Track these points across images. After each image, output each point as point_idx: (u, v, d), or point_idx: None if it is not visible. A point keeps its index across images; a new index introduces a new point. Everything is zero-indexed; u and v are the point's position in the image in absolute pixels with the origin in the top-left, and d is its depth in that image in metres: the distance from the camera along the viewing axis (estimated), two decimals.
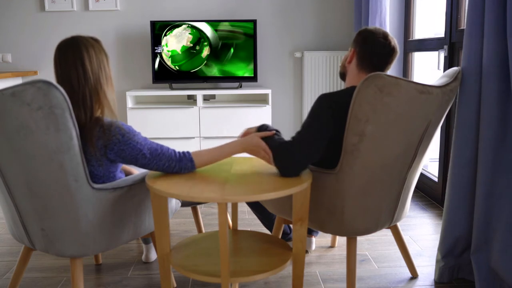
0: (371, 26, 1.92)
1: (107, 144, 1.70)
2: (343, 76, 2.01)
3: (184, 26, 3.89)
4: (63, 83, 1.72)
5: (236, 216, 2.08)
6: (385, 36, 1.88)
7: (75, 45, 1.73)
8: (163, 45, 3.90)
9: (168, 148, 1.78)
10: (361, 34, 1.91)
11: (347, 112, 1.78)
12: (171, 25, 3.88)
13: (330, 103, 1.79)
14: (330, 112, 1.77)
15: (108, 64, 1.80)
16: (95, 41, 1.80)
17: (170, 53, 3.91)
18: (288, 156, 1.74)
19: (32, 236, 1.79)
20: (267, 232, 2.69)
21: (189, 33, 3.88)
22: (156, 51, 3.90)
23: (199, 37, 3.91)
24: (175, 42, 3.90)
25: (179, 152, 1.79)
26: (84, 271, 2.29)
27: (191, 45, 3.91)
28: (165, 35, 3.89)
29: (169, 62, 3.92)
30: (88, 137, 1.69)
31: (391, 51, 1.87)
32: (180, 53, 3.91)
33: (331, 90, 4.10)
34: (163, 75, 3.95)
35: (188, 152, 1.79)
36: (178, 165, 1.77)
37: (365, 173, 1.78)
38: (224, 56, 3.94)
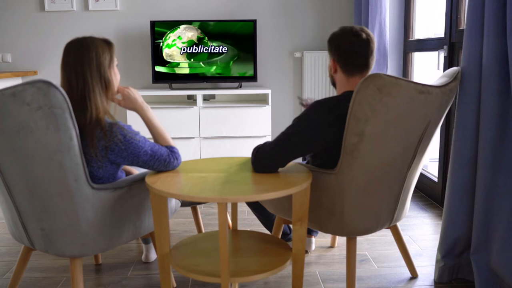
0: (337, 29, 1.91)
1: (108, 145, 1.70)
2: (333, 84, 2.01)
3: (184, 26, 3.89)
4: (65, 83, 1.74)
5: (236, 216, 2.08)
6: (354, 32, 1.85)
7: (78, 47, 1.74)
8: (176, 38, 3.90)
9: (161, 146, 1.82)
10: (332, 42, 1.90)
11: (344, 116, 1.78)
12: (171, 25, 3.88)
13: (324, 109, 1.79)
14: (322, 118, 1.78)
15: (110, 67, 1.78)
16: (106, 43, 1.79)
17: (186, 44, 3.89)
18: (260, 154, 1.82)
19: (32, 236, 1.79)
20: (267, 232, 2.69)
21: (198, 27, 3.88)
22: (159, 44, 3.90)
23: (199, 37, 3.91)
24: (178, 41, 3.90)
25: (163, 147, 1.83)
26: (84, 271, 2.29)
27: (192, 45, 3.91)
28: (165, 35, 3.89)
29: (183, 55, 3.92)
30: (88, 138, 1.69)
31: (367, 42, 1.85)
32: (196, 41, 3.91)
33: (331, 90, 4.10)
34: (163, 75, 3.95)
35: (167, 146, 1.87)
36: (176, 159, 1.84)
37: (365, 173, 1.78)
38: (224, 56, 3.94)
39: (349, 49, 1.85)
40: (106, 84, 1.77)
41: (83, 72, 1.72)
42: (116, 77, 1.83)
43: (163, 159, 1.79)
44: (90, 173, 1.75)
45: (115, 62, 1.83)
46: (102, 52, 1.76)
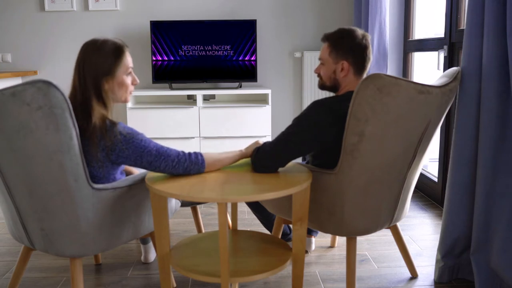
0: (340, 32, 1.91)
1: (109, 145, 1.70)
2: (331, 88, 1.98)
3: (184, 25, 3.89)
4: (73, 81, 1.77)
5: (236, 216, 2.08)
6: (363, 36, 1.90)
7: (84, 49, 1.76)
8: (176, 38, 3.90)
9: (172, 148, 1.79)
10: (345, 45, 1.88)
11: (344, 116, 1.78)
12: (171, 25, 3.88)
13: (324, 109, 1.80)
14: (322, 118, 1.78)
15: (112, 73, 1.76)
16: (114, 51, 1.76)
17: (186, 43, 3.90)
18: (261, 153, 1.82)
19: (32, 236, 1.79)
20: (267, 232, 2.69)
21: (198, 27, 3.88)
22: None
23: (199, 37, 3.91)
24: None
25: (186, 152, 1.79)
26: (84, 271, 2.29)
27: (192, 44, 3.91)
28: (165, 35, 3.89)
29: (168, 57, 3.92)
30: (90, 138, 1.69)
31: (368, 44, 1.92)
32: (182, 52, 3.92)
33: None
34: (163, 75, 3.95)
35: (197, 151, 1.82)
36: (189, 159, 1.76)
37: (365, 173, 1.78)
38: (224, 56, 3.94)
39: (364, 52, 1.89)
40: (102, 96, 1.75)
41: (84, 77, 1.73)
42: (121, 86, 1.80)
43: (170, 159, 1.74)
44: (90, 173, 1.75)
45: (127, 69, 1.80)
46: (104, 61, 1.74)
